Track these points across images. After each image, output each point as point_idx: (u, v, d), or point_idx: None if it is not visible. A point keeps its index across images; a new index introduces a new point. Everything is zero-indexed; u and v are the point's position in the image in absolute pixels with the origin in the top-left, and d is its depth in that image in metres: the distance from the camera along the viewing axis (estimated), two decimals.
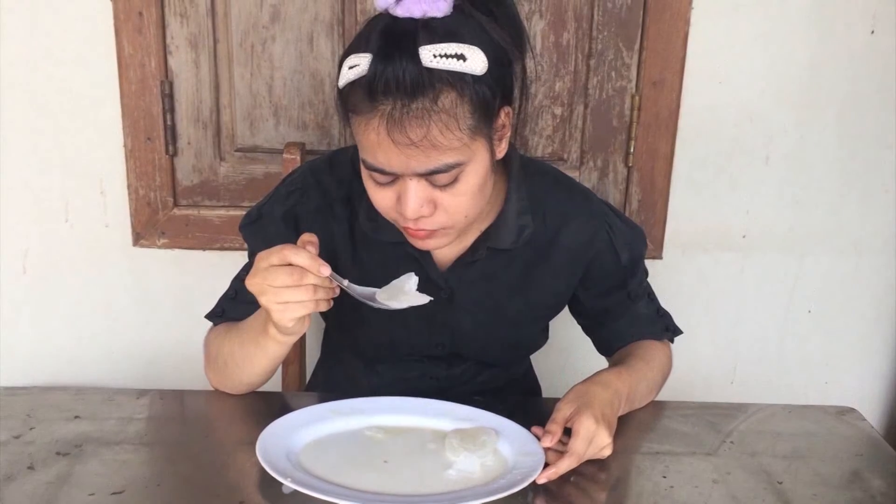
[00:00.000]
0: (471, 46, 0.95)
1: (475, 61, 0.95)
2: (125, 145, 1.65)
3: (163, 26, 1.58)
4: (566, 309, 1.33)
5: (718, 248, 1.80)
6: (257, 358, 1.13)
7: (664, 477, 1.05)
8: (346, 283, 1.03)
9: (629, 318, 1.28)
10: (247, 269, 1.21)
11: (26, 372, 1.79)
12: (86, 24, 1.58)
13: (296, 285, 0.97)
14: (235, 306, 1.21)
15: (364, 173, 1.04)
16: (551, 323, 1.36)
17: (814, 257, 1.81)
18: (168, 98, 1.62)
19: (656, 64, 1.65)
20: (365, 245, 1.19)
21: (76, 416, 1.12)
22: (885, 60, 1.67)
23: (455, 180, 1.01)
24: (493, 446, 1.05)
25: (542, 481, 0.99)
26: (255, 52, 1.62)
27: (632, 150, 1.69)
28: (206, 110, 1.64)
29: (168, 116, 1.63)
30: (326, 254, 1.15)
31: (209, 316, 1.25)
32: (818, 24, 1.65)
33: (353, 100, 0.98)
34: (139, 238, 1.70)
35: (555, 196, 1.22)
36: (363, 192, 1.12)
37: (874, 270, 1.83)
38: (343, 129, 1.66)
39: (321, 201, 1.19)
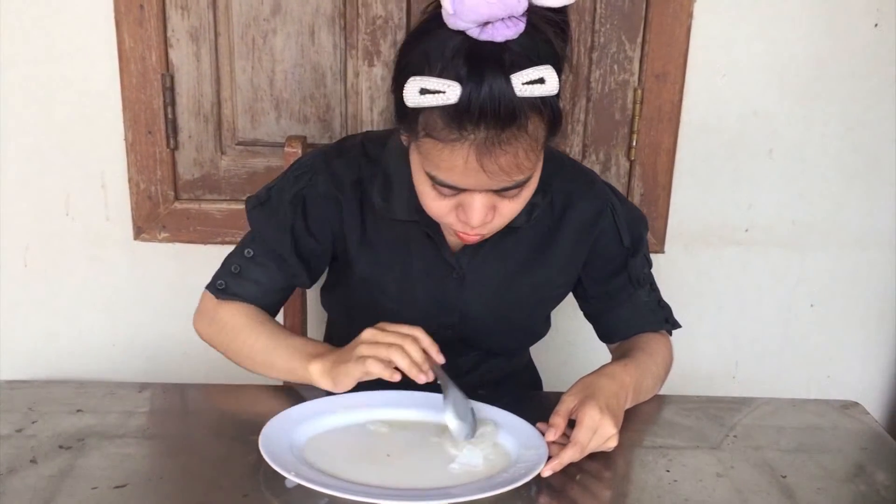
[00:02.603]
0: (547, 67, 0.93)
1: (552, 82, 0.94)
2: (126, 139, 1.64)
3: (164, 19, 1.58)
4: (567, 302, 1.33)
5: (721, 243, 1.79)
6: (280, 376, 1.18)
7: (668, 471, 1.04)
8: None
9: (631, 305, 1.28)
10: (252, 249, 1.22)
11: (28, 365, 1.79)
12: (86, 16, 1.57)
13: (390, 351, 1.03)
14: (239, 283, 1.21)
15: (425, 183, 1.03)
16: (554, 316, 1.36)
17: (817, 252, 1.81)
18: (169, 91, 1.61)
19: (659, 57, 1.64)
20: (376, 226, 1.20)
21: (78, 410, 1.12)
22: (889, 54, 1.67)
23: (520, 190, 1.02)
24: (493, 439, 1.05)
25: (546, 474, 0.99)
26: (257, 46, 1.61)
27: (634, 143, 1.69)
28: (207, 104, 1.64)
29: (169, 110, 1.62)
30: (330, 235, 1.20)
31: (209, 287, 1.23)
32: (821, 18, 1.64)
33: (430, 123, 0.96)
34: (140, 232, 1.70)
35: (561, 177, 1.23)
36: (373, 174, 1.16)
37: (877, 265, 1.83)
38: (344, 122, 1.66)
39: (330, 184, 1.19)
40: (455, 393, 1.05)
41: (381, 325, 1.06)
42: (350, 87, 1.64)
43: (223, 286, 1.22)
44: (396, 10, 1.59)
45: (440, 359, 1.04)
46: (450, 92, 0.92)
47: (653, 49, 1.64)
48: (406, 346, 1.03)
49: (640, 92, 1.66)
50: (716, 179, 1.74)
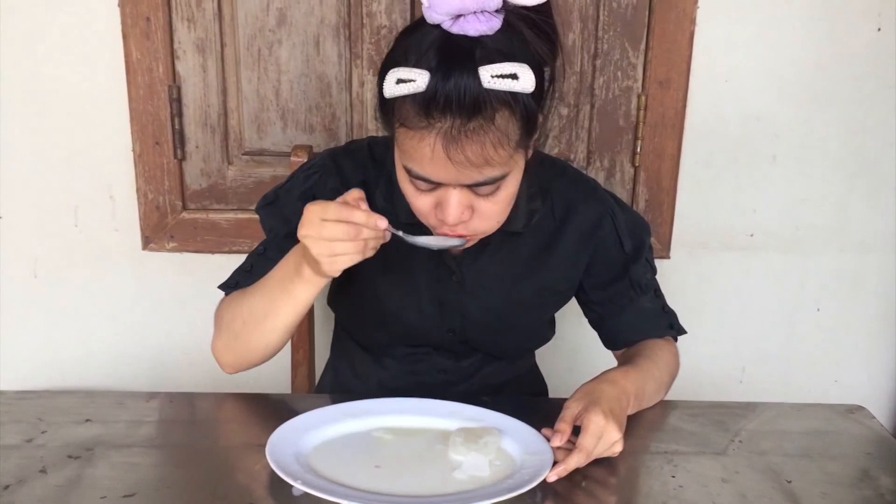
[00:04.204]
0: (521, 65, 0.95)
1: (526, 80, 0.96)
2: (134, 150, 1.65)
3: (170, 31, 1.59)
4: (573, 308, 1.34)
5: (725, 248, 1.80)
6: (283, 306, 1.12)
7: (673, 476, 1.05)
8: (401, 233, 1.05)
9: (634, 311, 1.28)
10: (264, 246, 1.24)
11: (37, 376, 1.80)
12: (94, 29, 1.59)
13: (350, 240, 0.99)
14: (250, 279, 1.21)
15: (405, 179, 1.05)
16: (559, 322, 1.37)
17: (821, 255, 1.81)
18: (176, 102, 1.63)
19: (662, 64, 1.65)
20: None
21: (87, 420, 1.13)
22: (891, 58, 1.67)
23: (496, 189, 1.03)
24: (497, 445, 1.05)
25: (552, 479, 0.99)
26: (262, 56, 1.62)
27: (638, 149, 1.70)
28: (213, 114, 1.65)
29: (176, 121, 1.64)
30: None
31: (222, 286, 1.25)
32: (823, 23, 1.65)
33: (403, 113, 0.98)
34: (148, 242, 1.71)
35: (562, 184, 1.25)
36: (378, 177, 1.18)
37: (880, 268, 1.83)
38: (350, 131, 1.67)
39: (338, 183, 1.21)
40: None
41: (317, 212, 1.00)
42: (355, 96, 1.65)
43: (234, 284, 1.24)
44: (401, 19, 1.60)
45: (382, 224, 1.00)
46: (419, 80, 0.95)
47: (656, 55, 1.64)
48: (363, 234, 1.00)
49: (643, 98, 1.67)
50: (720, 184, 1.75)
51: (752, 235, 1.79)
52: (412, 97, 0.96)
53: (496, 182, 1.02)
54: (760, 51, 1.66)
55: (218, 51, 1.62)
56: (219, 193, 1.70)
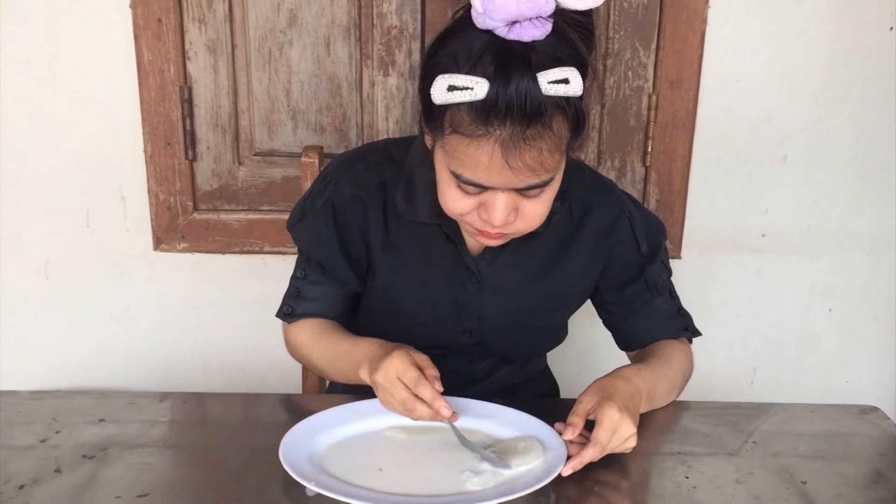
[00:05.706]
0: (571, 69, 0.95)
1: (576, 83, 0.95)
2: (145, 151, 1.66)
3: (181, 32, 1.60)
4: (584, 309, 1.34)
5: (736, 249, 1.79)
6: (341, 379, 1.25)
7: (686, 478, 1.04)
8: (458, 428, 1.08)
9: (648, 312, 1.28)
10: (301, 267, 1.28)
11: (50, 376, 1.81)
12: (105, 31, 1.59)
13: (406, 412, 1.05)
14: (301, 303, 1.26)
15: (450, 182, 1.04)
16: (571, 324, 1.37)
17: (832, 256, 1.80)
18: (187, 103, 1.63)
19: (673, 64, 1.64)
20: (398, 227, 1.21)
21: (100, 420, 1.13)
22: None
23: (543, 190, 1.03)
24: (539, 450, 1.04)
25: (566, 473, 0.99)
26: (273, 57, 1.63)
27: (649, 150, 1.69)
28: (224, 115, 1.65)
29: (187, 122, 1.64)
30: (360, 238, 1.22)
31: (279, 315, 1.29)
32: (835, 23, 1.64)
33: (457, 120, 0.97)
34: (159, 242, 1.72)
35: (579, 185, 1.24)
36: (397, 177, 1.19)
37: (892, 268, 1.82)
38: (360, 132, 1.67)
39: (353, 189, 1.21)
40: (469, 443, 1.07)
41: (399, 370, 1.06)
42: (366, 96, 1.65)
43: (289, 310, 1.27)
44: (411, 20, 1.60)
45: (446, 413, 1.05)
46: (478, 88, 0.94)
47: (667, 55, 1.64)
48: (418, 411, 1.05)
49: (654, 98, 1.66)
50: (731, 185, 1.74)
51: (763, 236, 1.78)
52: (469, 104, 0.95)
53: (545, 185, 1.02)
54: (772, 51, 1.65)
55: (229, 52, 1.62)
56: (230, 194, 1.71)
